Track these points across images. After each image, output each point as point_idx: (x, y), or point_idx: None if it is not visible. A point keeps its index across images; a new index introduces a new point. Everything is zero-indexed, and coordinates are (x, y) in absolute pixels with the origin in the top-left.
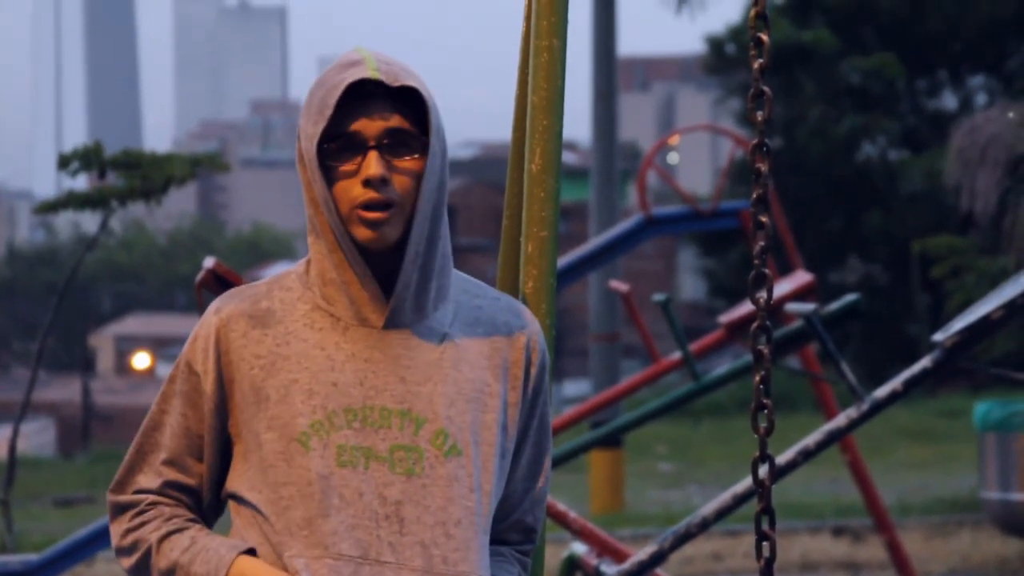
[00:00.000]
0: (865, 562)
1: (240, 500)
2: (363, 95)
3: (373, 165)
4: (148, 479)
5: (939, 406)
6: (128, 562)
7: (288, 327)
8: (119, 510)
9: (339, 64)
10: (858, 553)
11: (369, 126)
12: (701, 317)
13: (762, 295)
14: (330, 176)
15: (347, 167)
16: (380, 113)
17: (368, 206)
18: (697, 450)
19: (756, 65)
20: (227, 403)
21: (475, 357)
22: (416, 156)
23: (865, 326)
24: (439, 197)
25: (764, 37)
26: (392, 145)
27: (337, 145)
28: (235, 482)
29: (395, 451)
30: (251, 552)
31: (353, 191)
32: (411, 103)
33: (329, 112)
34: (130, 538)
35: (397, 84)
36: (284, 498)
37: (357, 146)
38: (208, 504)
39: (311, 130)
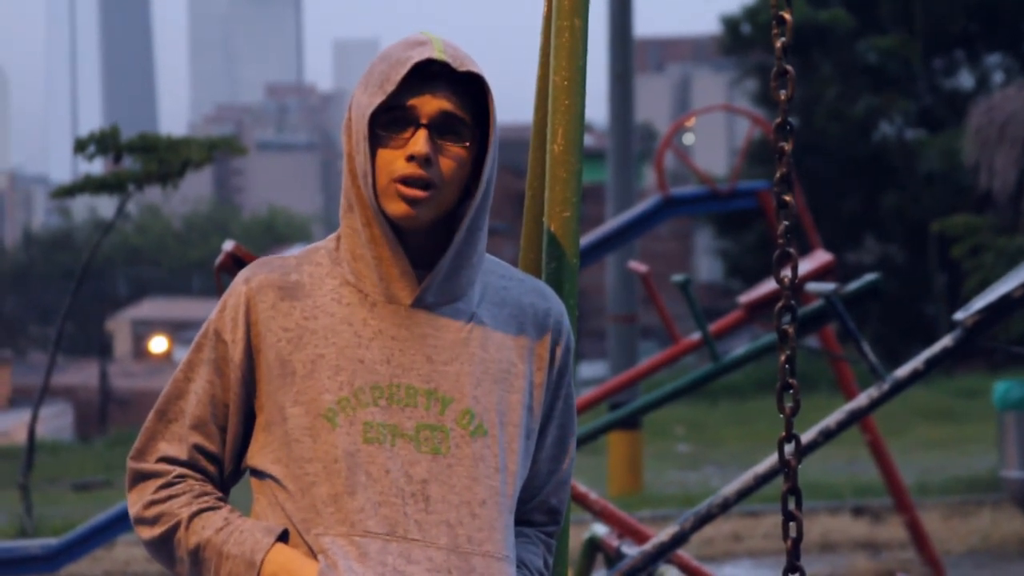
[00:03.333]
0: (885, 542)
1: (262, 474)
2: (425, 75)
3: (421, 142)
4: (173, 447)
5: (957, 386)
6: (149, 533)
7: (316, 301)
8: (141, 478)
9: (405, 42)
10: (878, 533)
11: (426, 104)
12: (717, 298)
13: (787, 274)
14: (375, 147)
15: (395, 139)
16: (439, 94)
17: (408, 181)
18: (714, 431)
19: (779, 44)
20: (254, 373)
21: (501, 338)
22: (465, 145)
23: (882, 307)
24: (486, 191)
25: (787, 16)
26: (443, 128)
27: (389, 117)
28: (257, 455)
29: (421, 430)
30: (284, 536)
31: (395, 164)
32: (469, 93)
33: (391, 87)
34: (154, 510)
35: (463, 69)
36: (309, 474)
37: (409, 121)
38: (228, 475)
39: (366, 100)
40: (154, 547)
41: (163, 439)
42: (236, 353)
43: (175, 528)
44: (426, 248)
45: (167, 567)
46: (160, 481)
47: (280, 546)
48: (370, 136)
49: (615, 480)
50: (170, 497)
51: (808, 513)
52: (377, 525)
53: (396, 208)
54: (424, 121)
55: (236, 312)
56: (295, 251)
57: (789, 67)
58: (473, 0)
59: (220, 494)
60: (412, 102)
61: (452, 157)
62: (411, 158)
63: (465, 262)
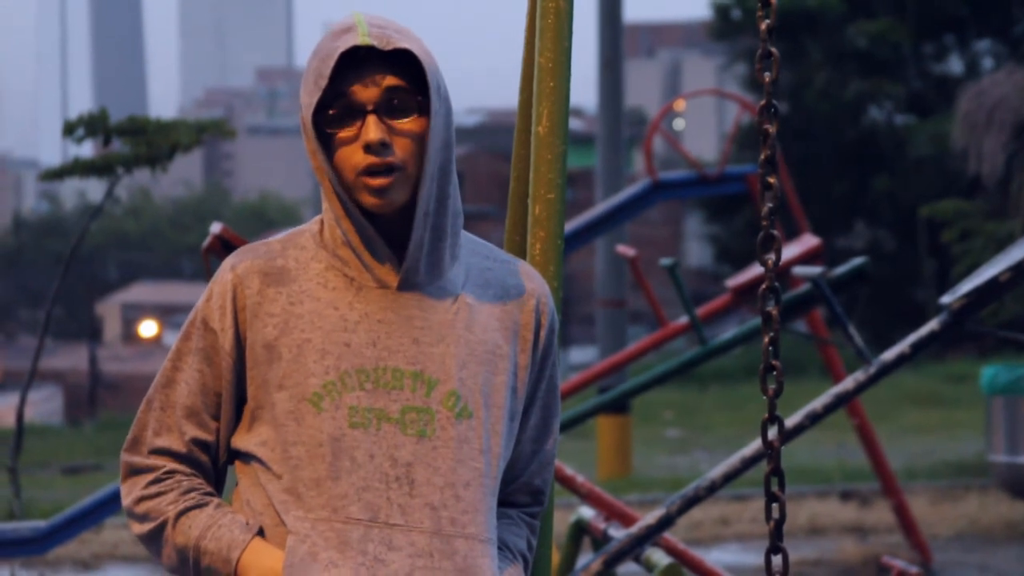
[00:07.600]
0: (872, 526)
1: (248, 456)
2: (358, 60)
3: (372, 130)
4: (165, 438)
5: (946, 371)
6: (140, 529)
7: (302, 286)
8: (133, 471)
9: (332, 32)
10: (866, 517)
11: (364, 91)
12: (707, 283)
13: (770, 257)
14: (332, 144)
15: (347, 134)
16: (374, 77)
17: (371, 171)
18: (704, 416)
19: (764, 25)
20: (243, 360)
21: (486, 319)
22: (416, 117)
23: (872, 291)
24: (446, 156)
25: None
26: (391, 108)
27: (336, 113)
28: (243, 439)
29: (407, 412)
30: (262, 532)
31: (355, 158)
32: (408, 64)
33: (324, 83)
34: (143, 507)
35: (389, 47)
36: (293, 457)
37: (356, 112)
38: (223, 462)
39: (307, 100)
40: (144, 541)
41: (155, 430)
42: (226, 341)
43: (163, 526)
44: (405, 230)
45: (156, 558)
46: (149, 477)
47: (256, 543)
48: (325, 135)
49: (604, 464)
50: (159, 494)
51: (796, 497)
52: (359, 511)
53: (368, 200)
54: (370, 108)
55: (223, 300)
56: (280, 235)
57: (774, 49)
58: None
59: (209, 488)
60: (352, 92)
61: (406, 134)
62: (367, 148)
63: (442, 234)
